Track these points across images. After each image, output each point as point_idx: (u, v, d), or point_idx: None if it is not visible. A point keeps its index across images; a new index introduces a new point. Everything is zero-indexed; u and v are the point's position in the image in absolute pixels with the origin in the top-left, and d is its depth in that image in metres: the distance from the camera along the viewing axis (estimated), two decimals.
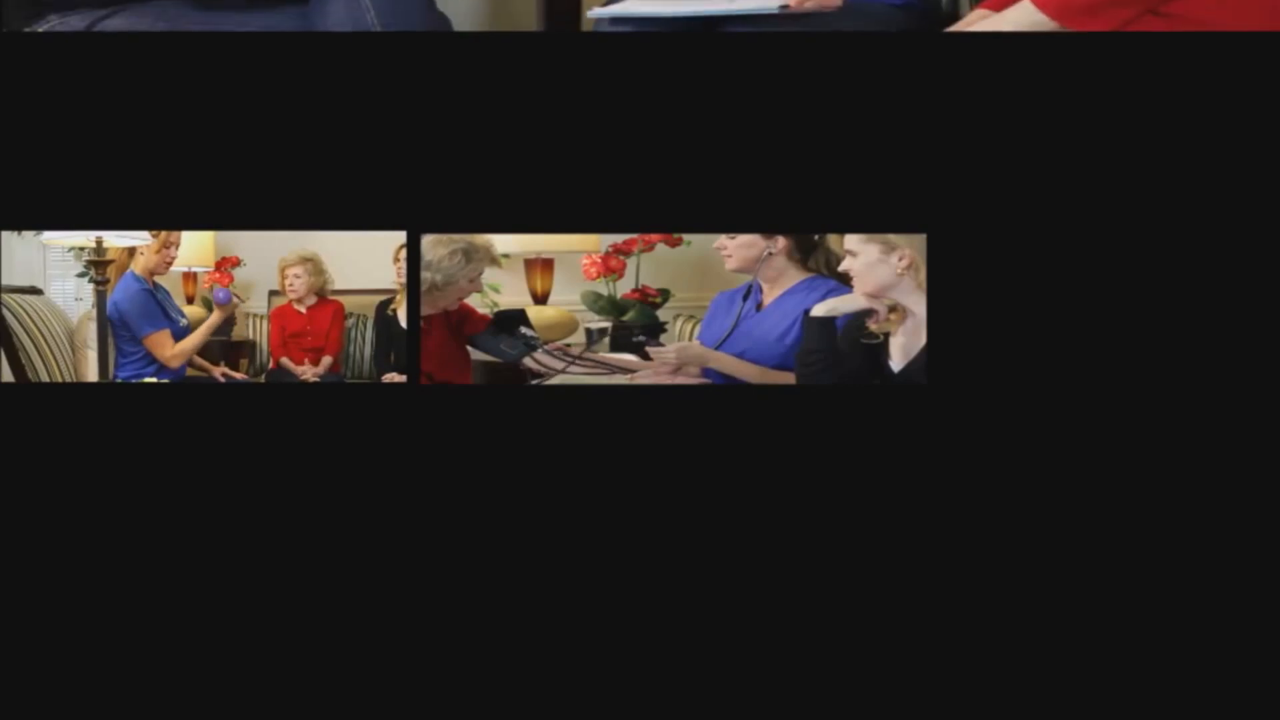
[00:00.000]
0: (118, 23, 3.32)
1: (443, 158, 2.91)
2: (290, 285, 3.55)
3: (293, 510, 2.84)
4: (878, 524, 2.93)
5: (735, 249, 3.33)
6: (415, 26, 3.27)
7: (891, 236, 3.06)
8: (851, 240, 3.09)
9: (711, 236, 3.37)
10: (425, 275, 3.30)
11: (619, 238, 3.65)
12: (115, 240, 3.34)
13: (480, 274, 3.40)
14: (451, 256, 3.34)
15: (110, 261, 3.35)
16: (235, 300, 3.50)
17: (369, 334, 3.54)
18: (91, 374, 3.35)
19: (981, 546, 2.92)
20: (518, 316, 3.45)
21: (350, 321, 3.57)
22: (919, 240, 3.05)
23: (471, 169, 2.93)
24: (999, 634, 2.89)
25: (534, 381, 3.37)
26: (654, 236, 3.62)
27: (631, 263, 3.70)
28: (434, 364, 3.32)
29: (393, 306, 3.50)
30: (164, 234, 3.36)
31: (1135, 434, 2.89)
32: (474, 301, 3.44)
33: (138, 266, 3.42)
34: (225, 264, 3.55)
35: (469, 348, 3.43)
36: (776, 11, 3.31)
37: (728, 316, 3.37)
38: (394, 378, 3.44)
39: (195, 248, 3.53)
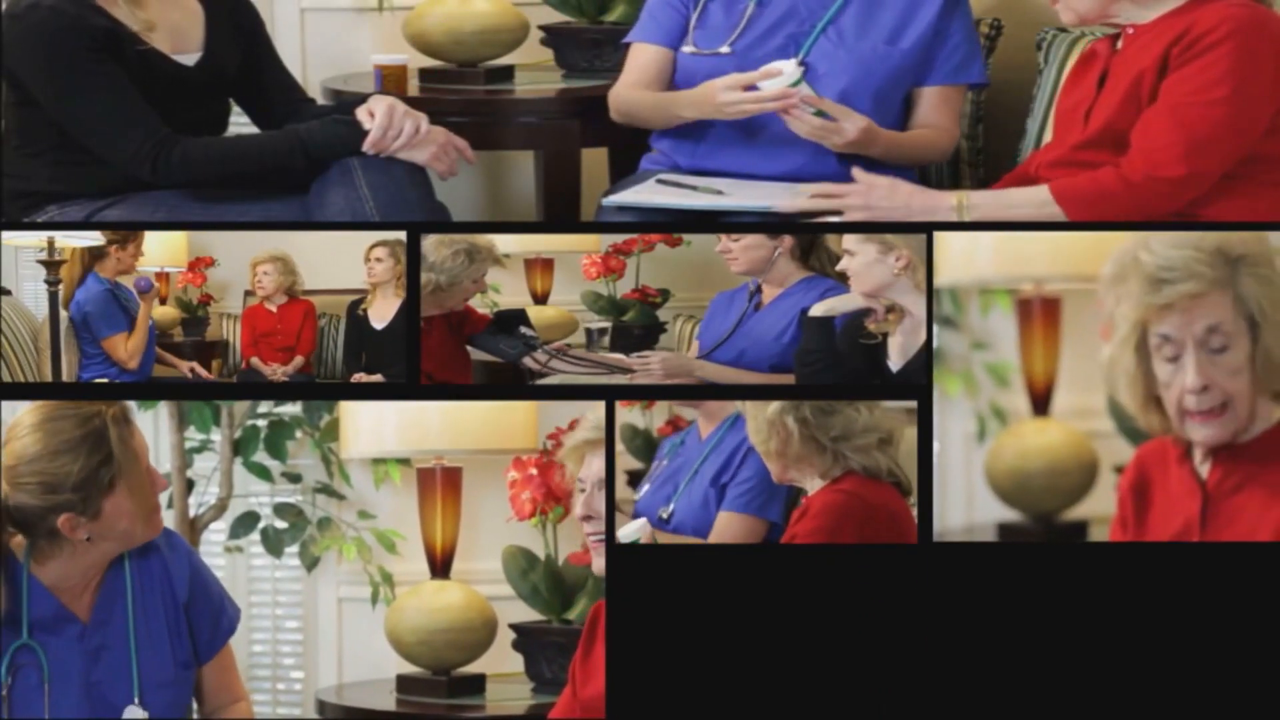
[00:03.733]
0: (116, 213, 3.35)
1: None
2: (259, 282, 3.56)
3: None
4: None
5: (740, 251, 3.32)
6: (413, 216, 3.30)
7: (890, 237, 3.06)
8: (850, 240, 3.09)
9: (712, 237, 3.37)
10: (429, 276, 3.30)
11: (619, 238, 3.65)
12: (66, 240, 3.37)
13: (484, 274, 3.40)
14: (454, 257, 3.34)
15: (62, 262, 3.37)
16: (156, 286, 3.51)
17: (341, 334, 3.56)
18: (65, 375, 3.38)
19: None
20: (518, 316, 3.45)
21: (323, 322, 3.58)
22: (918, 240, 3.05)
23: None
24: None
25: (533, 381, 3.37)
26: (654, 236, 3.61)
27: (631, 263, 3.69)
28: (434, 363, 3.32)
29: (363, 306, 3.51)
30: (122, 234, 3.40)
31: None
32: (474, 301, 3.44)
33: (104, 269, 3.44)
34: (199, 264, 3.57)
35: (469, 347, 3.43)
36: (792, 212, 3.31)
37: (727, 317, 3.37)
38: (362, 377, 3.45)
39: (168, 248, 3.55)
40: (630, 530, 2.96)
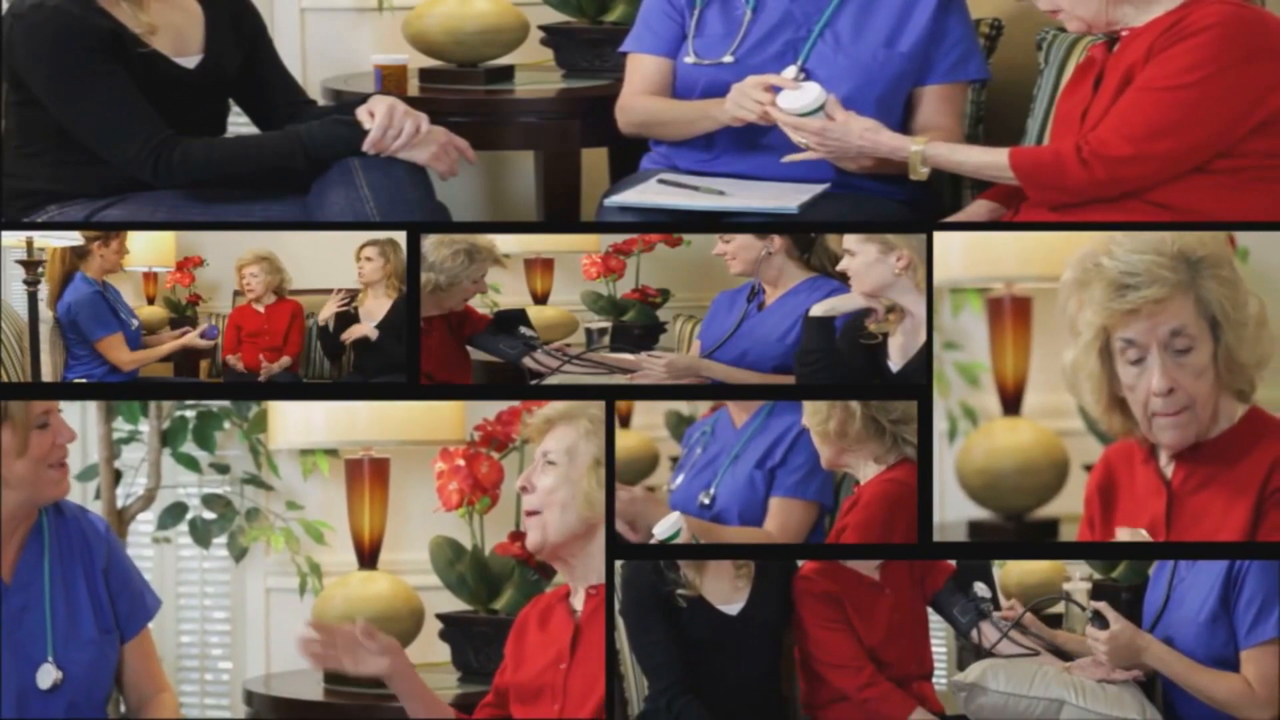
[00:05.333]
0: (116, 213, 3.36)
1: None
2: (248, 285, 3.58)
3: None
4: None
5: (736, 250, 3.32)
6: (413, 216, 3.31)
7: (890, 236, 3.06)
8: (850, 240, 3.09)
9: (712, 237, 3.36)
10: (429, 276, 3.30)
11: (619, 238, 3.65)
12: (45, 240, 3.39)
13: (484, 275, 3.40)
14: (454, 257, 3.34)
15: (39, 263, 3.38)
16: (218, 338, 3.57)
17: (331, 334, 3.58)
18: (47, 375, 3.40)
19: None
20: (518, 316, 3.45)
21: (311, 321, 3.59)
22: (918, 240, 3.05)
23: None
24: None
25: (533, 381, 3.37)
26: (654, 236, 3.62)
27: (631, 263, 3.69)
28: (434, 363, 3.32)
29: (354, 306, 3.53)
30: (107, 233, 3.42)
31: None
32: (474, 301, 3.44)
33: (90, 269, 3.45)
34: (187, 264, 3.58)
35: (469, 347, 3.43)
36: (795, 212, 3.32)
37: (729, 317, 3.37)
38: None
39: (156, 248, 3.56)
40: (667, 525, 2.95)
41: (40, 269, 3.39)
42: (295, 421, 3.80)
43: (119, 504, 3.97)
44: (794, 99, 3.30)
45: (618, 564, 2.86)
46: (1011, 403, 3.76)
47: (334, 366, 3.56)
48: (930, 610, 2.98)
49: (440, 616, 3.75)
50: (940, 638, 3.11)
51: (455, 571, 3.70)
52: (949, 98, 3.50)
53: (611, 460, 2.81)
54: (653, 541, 2.95)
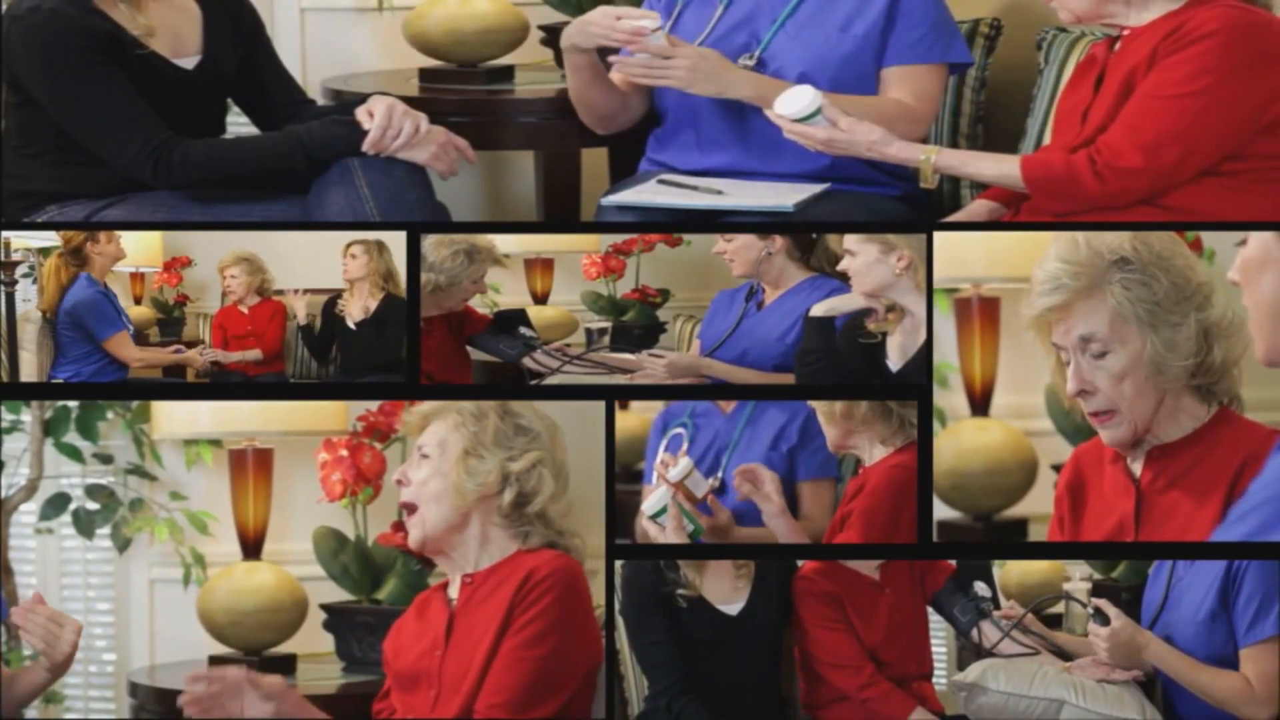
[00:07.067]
0: (116, 213, 3.36)
1: None
2: (229, 286, 3.59)
3: None
4: None
5: (735, 252, 3.33)
6: (413, 216, 3.31)
7: (891, 236, 3.06)
8: (851, 240, 3.09)
9: (712, 236, 3.37)
10: (429, 276, 3.30)
11: (619, 238, 3.65)
12: (21, 240, 3.39)
13: (484, 275, 3.41)
14: (454, 257, 3.35)
15: (18, 263, 3.39)
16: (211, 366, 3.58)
17: (316, 332, 3.58)
18: (31, 374, 3.40)
19: None
20: (518, 316, 3.45)
21: (294, 323, 3.60)
22: (918, 240, 3.05)
23: None
24: None
25: (533, 381, 3.37)
26: (654, 236, 3.62)
27: (631, 263, 3.70)
28: (434, 364, 3.32)
29: (340, 305, 3.53)
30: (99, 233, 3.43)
31: None
32: (474, 301, 3.44)
33: (93, 269, 3.46)
34: (175, 264, 3.58)
35: (469, 348, 3.44)
36: (791, 210, 3.30)
37: (728, 316, 3.37)
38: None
39: (143, 248, 3.56)
40: (655, 500, 2.95)
41: (18, 269, 3.39)
42: (179, 412, 3.82)
43: (0, 494, 3.97)
44: (789, 103, 3.28)
45: (618, 564, 2.86)
46: (980, 403, 3.76)
47: (320, 366, 3.56)
48: (930, 610, 2.98)
49: (324, 607, 3.77)
50: (940, 638, 3.12)
51: (339, 562, 3.73)
52: (906, 78, 3.46)
53: (611, 461, 2.81)
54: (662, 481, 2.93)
